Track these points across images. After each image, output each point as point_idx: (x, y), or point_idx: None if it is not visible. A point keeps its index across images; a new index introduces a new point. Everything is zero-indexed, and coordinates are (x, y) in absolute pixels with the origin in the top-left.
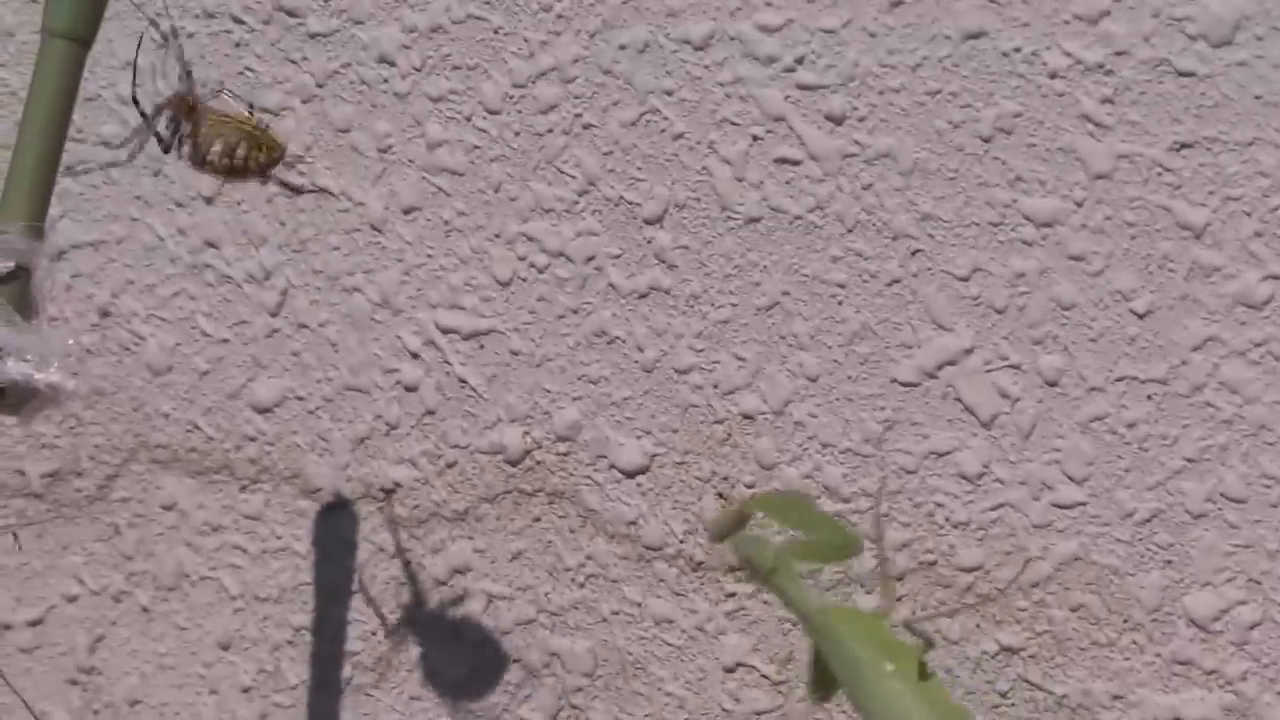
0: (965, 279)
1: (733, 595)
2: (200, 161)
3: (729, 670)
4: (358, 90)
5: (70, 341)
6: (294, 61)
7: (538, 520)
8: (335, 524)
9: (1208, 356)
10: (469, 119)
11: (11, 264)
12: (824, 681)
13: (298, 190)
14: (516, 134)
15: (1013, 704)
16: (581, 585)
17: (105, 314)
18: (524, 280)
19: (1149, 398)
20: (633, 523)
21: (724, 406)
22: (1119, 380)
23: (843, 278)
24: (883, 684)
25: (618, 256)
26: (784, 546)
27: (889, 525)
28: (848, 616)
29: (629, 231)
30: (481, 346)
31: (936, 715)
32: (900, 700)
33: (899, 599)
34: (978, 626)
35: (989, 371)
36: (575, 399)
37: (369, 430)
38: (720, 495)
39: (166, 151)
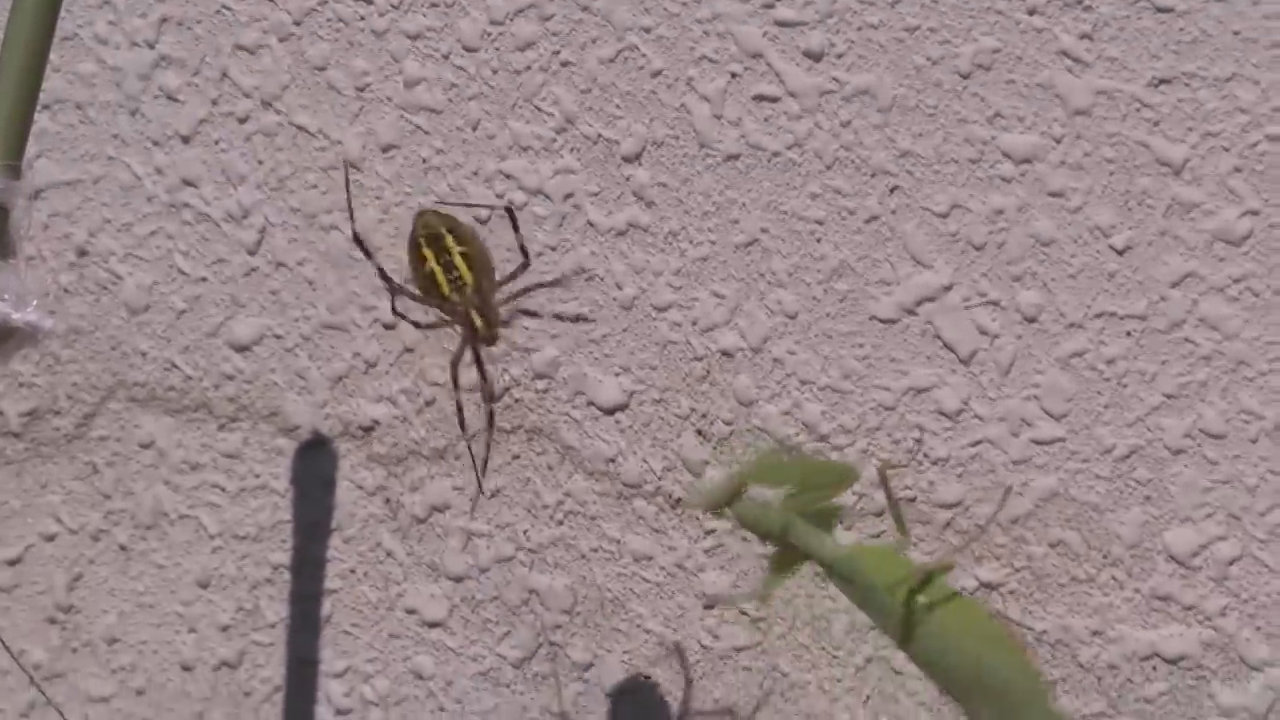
0: (944, 215)
1: (712, 532)
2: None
3: (708, 607)
4: (335, 28)
5: (48, 280)
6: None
7: (516, 458)
8: (314, 462)
9: (1187, 292)
10: (447, 57)
11: None
12: (776, 583)
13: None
14: (494, 71)
15: None
16: (560, 522)
17: (83, 253)
18: (502, 218)
19: (1128, 334)
20: (611, 460)
21: (703, 343)
22: (1098, 316)
23: (821, 215)
24: (922, 615)
25: (596, 194)
26: (786, 503)
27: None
28: (871, 555)
29: (607, 169)
30: None
31: (978, 633)
32: (942, 628)
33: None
34: (959, 564)
35: (968, 308)
36: (553, 336)
37: (347, 368)
38: (699, 432)
39: None
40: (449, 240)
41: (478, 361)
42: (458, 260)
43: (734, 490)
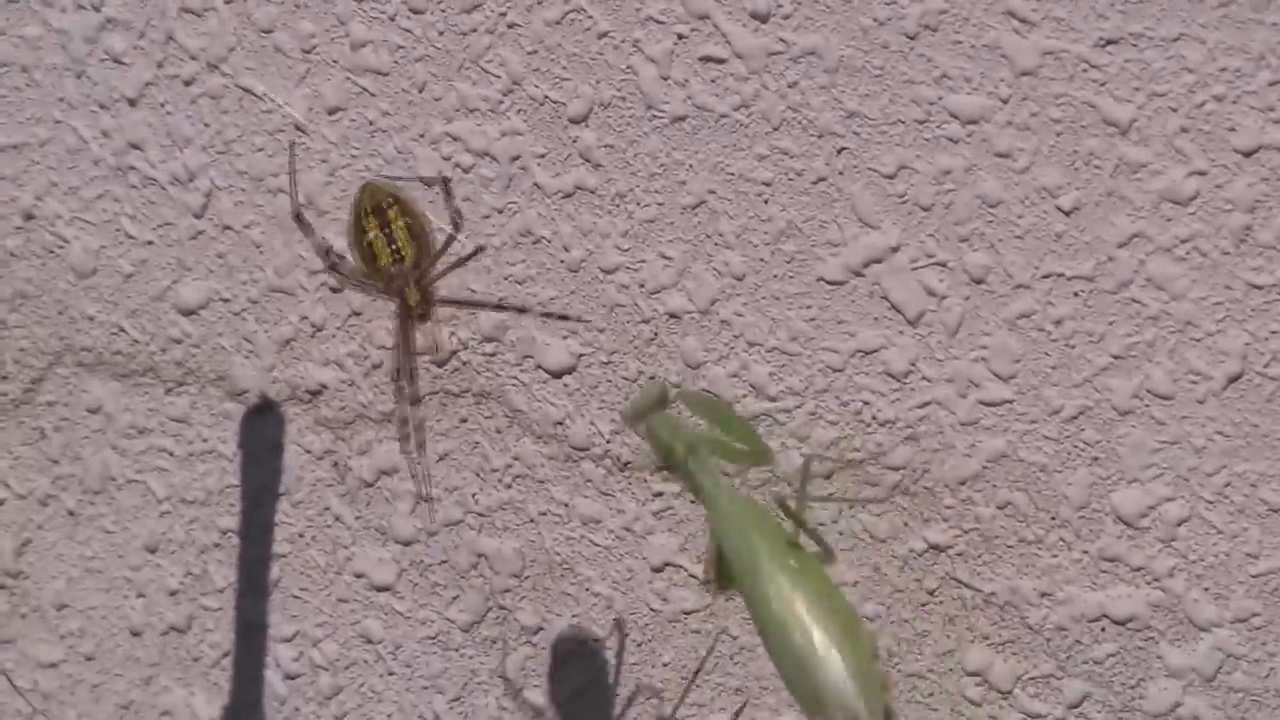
0: (891, 176)
1: (660, 495)
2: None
3: (657, 570)
4: None
5: None
6: None
7: (464, 421)
8: (261, 426)
9: (1134, 253)
10: (393, 19)
11: None
12: (725, 573)
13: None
14: (441, 33)
15: (940, 601)
16: (509, 486)
17: (29, 217)
18: (449, 179)
19: (1075, 294)
20: (559, 423)
21: (650, 306)
22: (1045, 277)
23: (768, 176)
24: (780, 577)
25: (543, 156)
26: (698, 435)
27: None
28: (754, 510)
29: (554, 131)
30: None
31: (824, 610)
32: (793, 592)
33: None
34: (905, 524)
35: (915, 269)
36: (501, 298)
37: (294, 332)
38: (650, 378)
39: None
40: (392, 213)
41: (406, 337)
42: (398, 232)
43: (657, 400)
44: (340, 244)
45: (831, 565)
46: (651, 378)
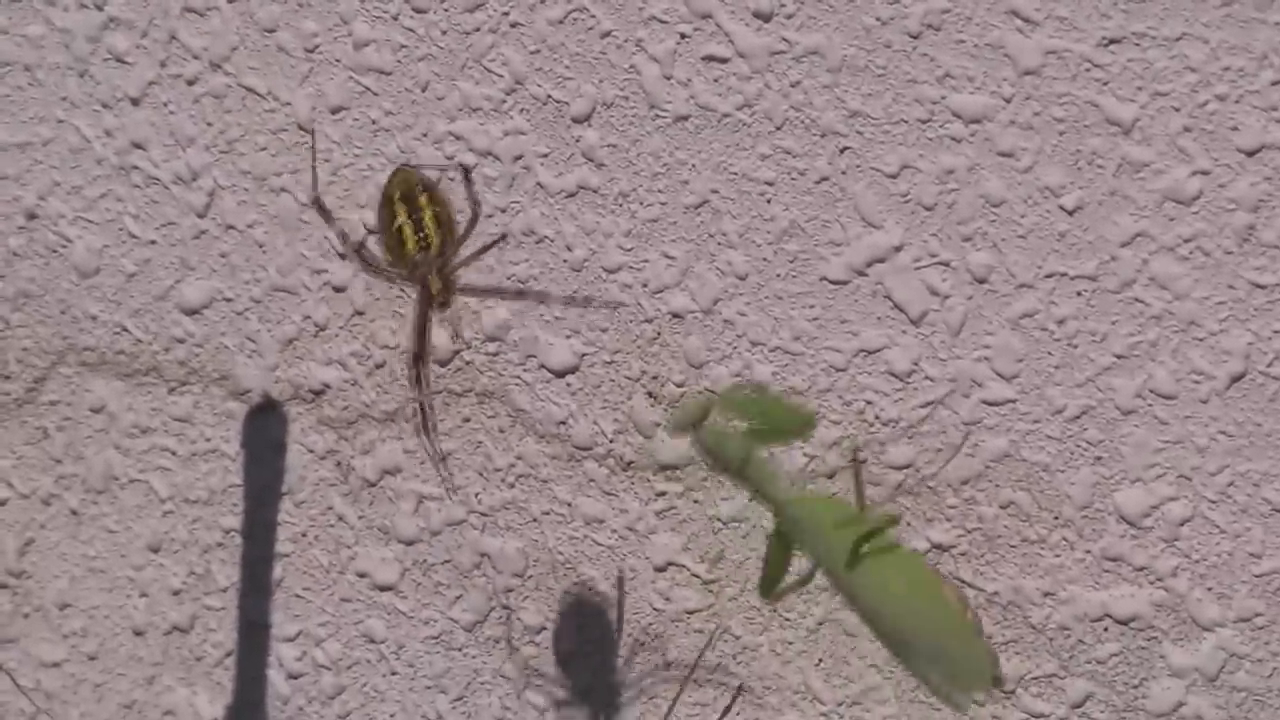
0: (894, 176)
1: (663, 494)
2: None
3: (660, 569)
4: None
5: None
6: None
7: (467, 420)
8: (264, 426)
9: (1137, 252)
10: (396, 18)
11: None
12: (774, 579)
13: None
14: (444, 33)
15: None
16: (512, 485)
17: (32, 216)
18: (452, 180)
19: (1078, 294)
20: (562, 422)
21: (653, 305)
22: (1048, 276)
23: (771, 175)
24: (863, 564)
25: (546, 155)
26: (750, 438)
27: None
28: (821, 502)
29: (557, 130)
30: None
31: (912, 585)
32: (878, 576)
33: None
34: (908, 524)
35: (918, 268)
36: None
37: (298, 331)
38: (650, 394)
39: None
40: (422, 199)
41: (424, 325)
42: (427, 219)
43: (700, 413)
44: (358, 226)
45: (897, 527)
46: (700, 391)
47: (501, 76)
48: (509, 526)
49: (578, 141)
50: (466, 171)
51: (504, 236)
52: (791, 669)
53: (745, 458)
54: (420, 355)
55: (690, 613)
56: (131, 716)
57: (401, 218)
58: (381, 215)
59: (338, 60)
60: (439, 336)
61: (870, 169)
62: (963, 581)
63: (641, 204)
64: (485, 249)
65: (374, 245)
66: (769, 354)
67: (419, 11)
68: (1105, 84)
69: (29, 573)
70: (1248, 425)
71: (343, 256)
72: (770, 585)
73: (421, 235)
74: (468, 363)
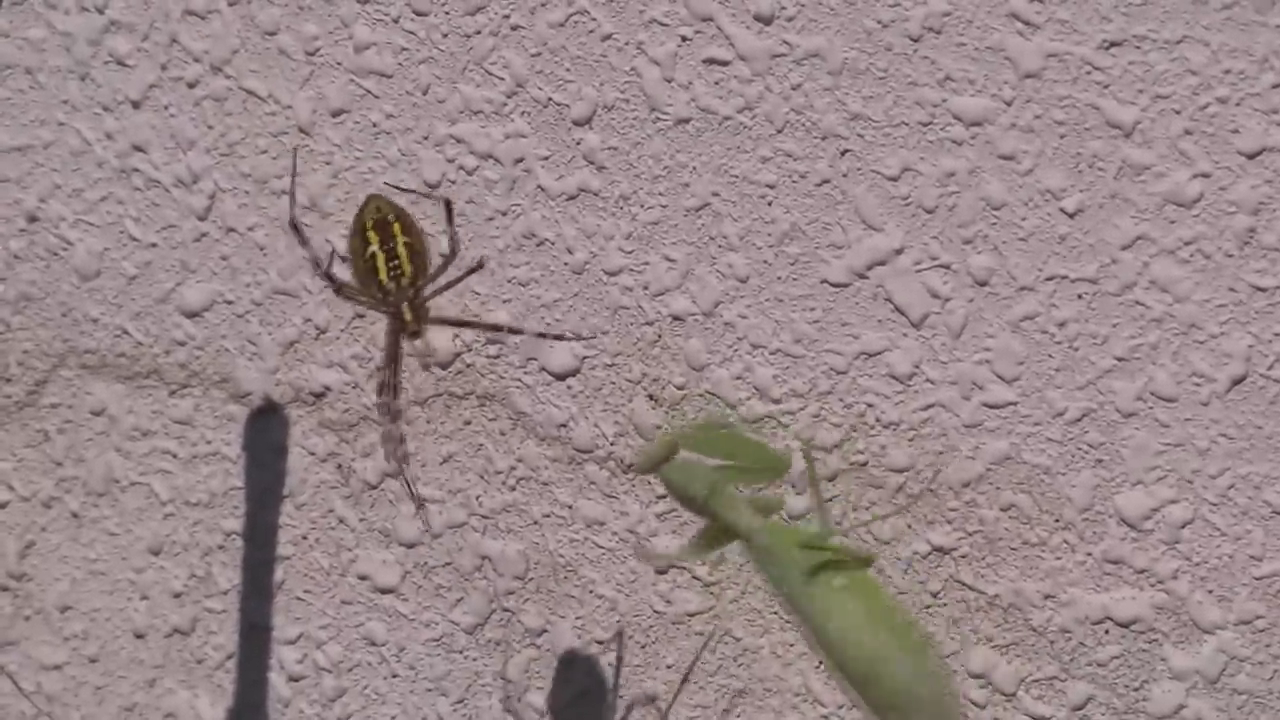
0: (895, 179)
1: (663, 497)
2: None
3: (660, 572)
4: None
5: None
6: None
7: (468, 423)
8: (265, 428)
9: (1138, 255)
10: (397, 21)
11: None
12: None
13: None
14: (444, 35)
15: (944, 604)
16: (512, 488)
17: (33, 219)
18: (453, 182)
19: (1079, 296)
20: (563, 425)
21: (654, 308)
22: (1049, 279)
23: (772, 178)
24: (829, 597)
25: (546, 158)
26: (716, 473)
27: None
28: (788, 535)
29: (557, 133)
30: None
31: (882, 622)
32: (846, 608)
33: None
34: (909, 527)
35: (919, 271)
36: (505, 301)
37: (298, 334)
38: (651, 397)
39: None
40: (396, 228)
41: (394, 353)
42: (400, 249)
43: (665, 451)
44: (341, 247)
45: (871, 566)
46: (658, 427)
47: (502, 79)
48: (510, 529)
49: (578, 144)
50: (449, 206)
51: (480, 266)
52: (792, 671)
53: (710, 493)
54: (391, 384)
55: (691, 615)
56: (132, 719)
57: (374, 246)
58: (353, 243)
59: (339, 63)
60: (440, 339)
61: (871, 172)
62: (964, 584)
63: (642, 207)
64: (458, 279)
65: (346, 271)
66: (770, 356)
67: (420, 14)
68: (1106, 87)
69: (30, 575)
70: (1248, 428)
71: (322, 279)
72: (697, 551)
73: (394, 265)
74: (469, 366)
